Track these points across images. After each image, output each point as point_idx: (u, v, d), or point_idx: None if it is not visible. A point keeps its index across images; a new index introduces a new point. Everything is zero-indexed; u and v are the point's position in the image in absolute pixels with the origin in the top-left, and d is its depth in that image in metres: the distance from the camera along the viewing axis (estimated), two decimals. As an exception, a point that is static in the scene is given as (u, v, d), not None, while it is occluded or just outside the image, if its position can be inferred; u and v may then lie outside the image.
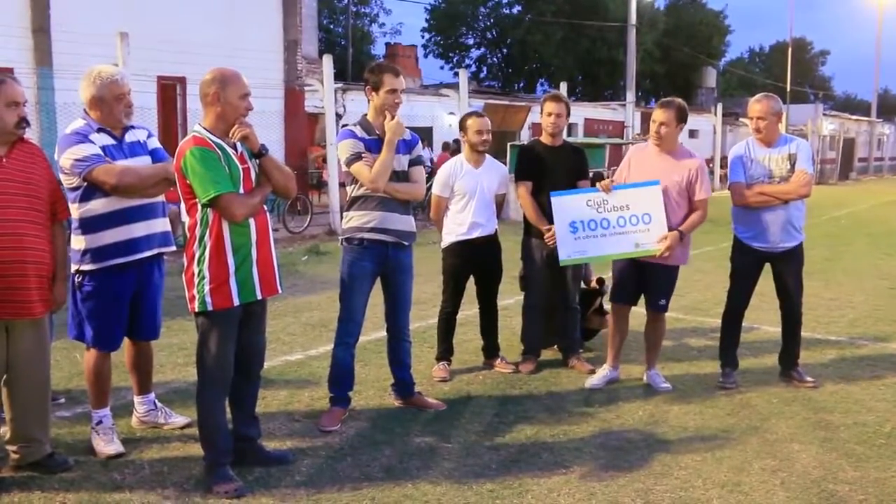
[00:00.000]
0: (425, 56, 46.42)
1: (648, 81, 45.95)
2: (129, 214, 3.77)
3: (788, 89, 36.02)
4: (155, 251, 3.92)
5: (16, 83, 3.48)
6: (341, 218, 4.47)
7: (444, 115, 21.36)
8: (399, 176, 4.24)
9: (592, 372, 5.24)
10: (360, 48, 42.19)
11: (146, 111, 12.28)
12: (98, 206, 3.71)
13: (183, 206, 3.40)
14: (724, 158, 31.55)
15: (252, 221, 3.42)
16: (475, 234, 5.05)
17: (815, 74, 66.55)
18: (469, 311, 5.69)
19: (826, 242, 12.51)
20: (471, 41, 47.69)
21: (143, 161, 3.85)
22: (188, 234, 3.38)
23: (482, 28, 47.36)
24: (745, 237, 4.98)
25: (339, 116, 16.58)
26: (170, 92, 14.29)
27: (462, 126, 5.19)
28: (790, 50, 37.15)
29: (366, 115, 4.29)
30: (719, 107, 29.13)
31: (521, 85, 47.76)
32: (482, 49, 48.12)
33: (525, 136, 23.60)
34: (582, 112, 26.34)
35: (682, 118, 4.63)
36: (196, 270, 3.36)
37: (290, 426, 4.27)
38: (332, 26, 43.77)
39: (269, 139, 3.47)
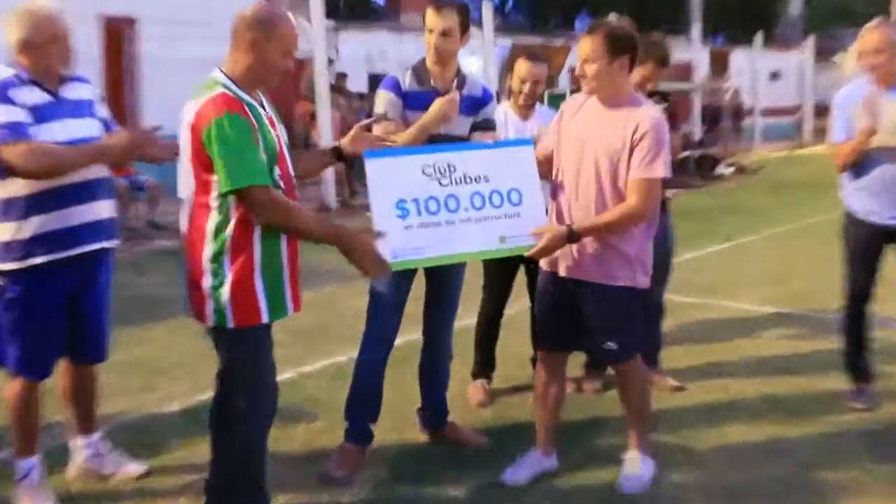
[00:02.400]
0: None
1: (717, 12, 45.23)
2: (66, 195, 3.62)
3: (893, 18, 35.32)
4: (100, 245, 3.77)
5: None
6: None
7: (465, 57, 21.12)
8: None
9: (679, 388, 5.09)
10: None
11: (87, 59, 12.13)
12: (22, 184, 3.56)
13: (186, 182, 3.18)
14: (819, 107, 31.15)
15: None
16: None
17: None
18: (511, 308, 5.46)
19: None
20: (493, -34, 47.25)
21: (88, 126, 3.72)
22: (192, 223, 3.19)
23: (507, -51, 46.93)
24: (858, 209, 4.78)
25: (330, 62, 16.31)
26: (117, 35, 14.18)
27: (511, 68, 5.07)
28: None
29: (424, 58, 4.17)
30: (809, 41, 28.65)
31: (557, 21, 47.28)
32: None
33: (564, 83, 23.25)
34: (636, 52, 25.98)
35: (617, 47, 3.68)
36: (210, 269, 3.16)
37: (280, 474, 4.02)
38: (318, -50, 43.53)
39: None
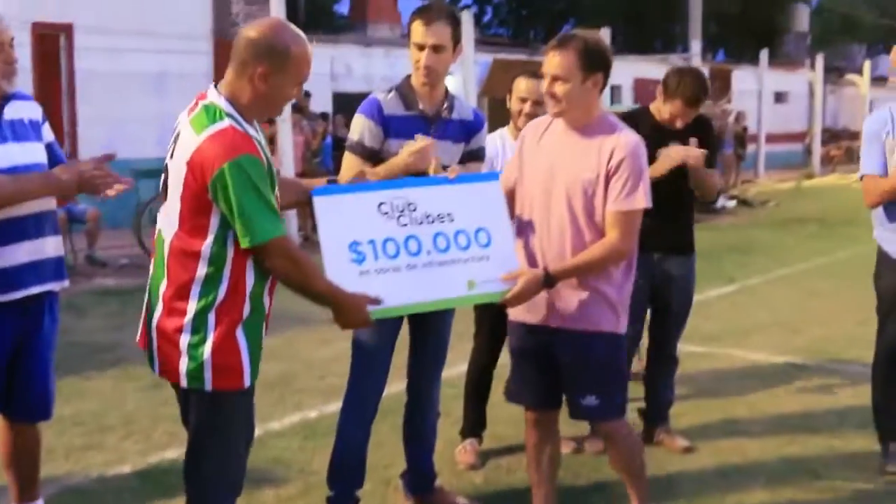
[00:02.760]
0: (407, -4, 46.33)
1: (715, 25, 45.90)
2: (6, 231, 3.55)
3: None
4: (46, 287, 3.71)
5: None
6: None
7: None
8: None
9: (690, 450, 5.10)
10: (313, -16, 42.06)
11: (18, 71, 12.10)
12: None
13: (169, 221, 3.08)
14: (828, 133, 31.51)
15: None
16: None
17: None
18: (500, 357, 5.44)
19: None
20: (469, -27, 47.67)
21: (33, 151, 3.65)
22: (173, 269, 3.08)
23: (484, -45, 47.44)
24: (894, 250, 4.77)
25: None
26: (50, 45, 14.14)
27: (510, 88, 5.05)
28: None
29: (409, 77, 4.10)
30: (819, 59, 29.05)
31: (538, 34, 47.67)
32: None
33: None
34: (629, 69, 26.13)
35: (591, 64, 3.63)
36: (191, 326, 3.07)
37: (250, 545, 3.98)
38: (275, -46, 43.66)
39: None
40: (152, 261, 3.20)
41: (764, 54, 26.83)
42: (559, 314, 3.75)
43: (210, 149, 2.92)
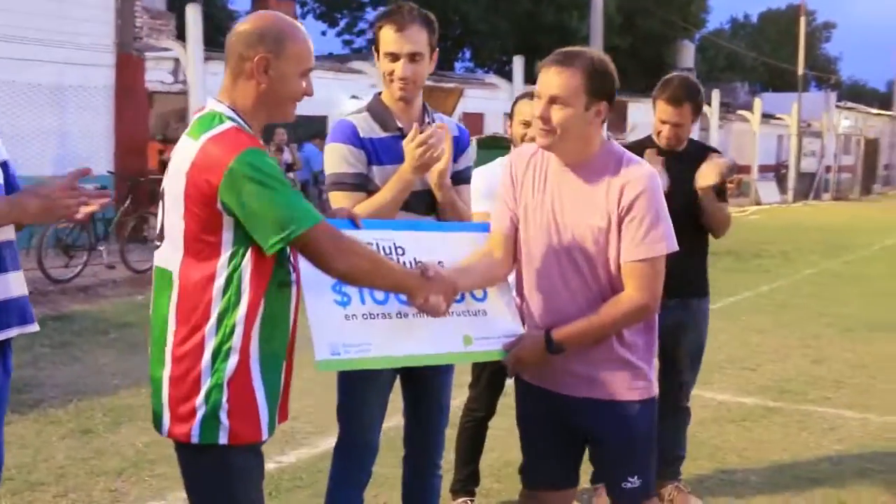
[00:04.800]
0: (303, 17, 45.89)
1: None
2: None
3: (800, 73, 37.15)
4: (9, 334, 3.21)
5: None
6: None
7: (346, 99, 20.73)
8: (426, 199, 3.59)
9: None
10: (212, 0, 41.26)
11: None
12: None
13: (172, 246, 2.69)
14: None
15: (293, 288, 2.84)
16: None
17: (818, 54, 69.61)
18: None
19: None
20: (366, -2, 47.58)
21: None
22: (183, 301, 2.68)
23: (380, -20, 47.35)
24: None
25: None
26: None
27: (511, 112, 4.60)
28: (802, 19, 38.29)
29: (380, 94, 3.63)
30: (715, 94, 29.60)
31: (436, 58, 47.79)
32: (381, 8, 47.96)
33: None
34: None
35: (597, 89, 3.04)
36: (209, 366, 2.65)
37: None
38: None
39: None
40: (151, 306, 2.76)
41: (661, 87, 27.13)
42: (584, 380, 3.19)
43: (213, 151, 2.60)
